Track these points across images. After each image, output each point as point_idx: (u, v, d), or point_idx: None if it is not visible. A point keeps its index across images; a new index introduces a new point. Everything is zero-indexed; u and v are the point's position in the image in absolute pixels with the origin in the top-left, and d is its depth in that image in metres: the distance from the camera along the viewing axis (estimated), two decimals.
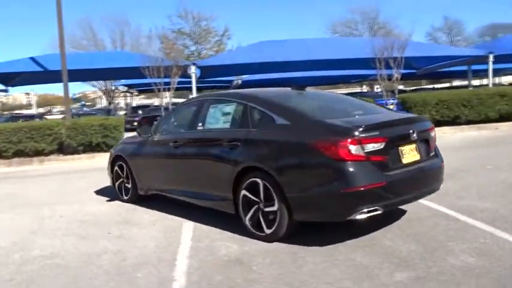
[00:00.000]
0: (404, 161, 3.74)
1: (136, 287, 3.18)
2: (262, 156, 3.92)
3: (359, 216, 3.49)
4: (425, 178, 3.93)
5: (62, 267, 3.67)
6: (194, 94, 16.87)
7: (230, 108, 4.52)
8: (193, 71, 16.73)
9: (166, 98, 14.75)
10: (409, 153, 3.81)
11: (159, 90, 14.41)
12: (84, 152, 11.73)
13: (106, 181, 6.65)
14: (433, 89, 32.59)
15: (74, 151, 11.57)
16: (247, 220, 4.10)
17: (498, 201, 4.75)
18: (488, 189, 5.29)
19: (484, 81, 29.86)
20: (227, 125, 4.48)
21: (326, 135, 3.56)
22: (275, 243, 3.83)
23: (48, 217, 5.49)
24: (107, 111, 25.78)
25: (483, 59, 19.47)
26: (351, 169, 3.42)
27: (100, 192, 6.87)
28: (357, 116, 4.02)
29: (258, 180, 3.93)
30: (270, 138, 3.94)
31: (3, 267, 3.75)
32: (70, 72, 12.98)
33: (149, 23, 73.69)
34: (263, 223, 3.93)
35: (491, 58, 19.14)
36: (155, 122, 5.74)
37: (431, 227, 4.05)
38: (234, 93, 4.82)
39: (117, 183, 6.21)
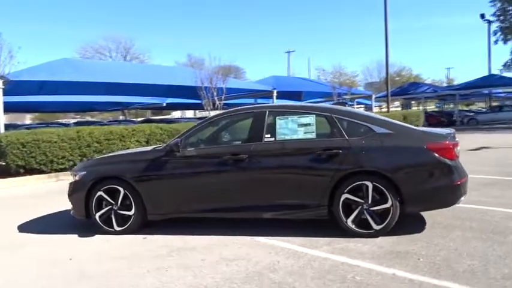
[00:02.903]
0: None
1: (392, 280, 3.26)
2: (373, 160, 4.46)
3: (461, 203, 4.55)
4: None
5: None
6: (1, 114, 13.85)
7: (308, 119, 4.75)
8: (1, 85, 13.67)
9: None
10: None
11: None
12: None
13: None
14: None
15: None
16: (349, 222, 4.48)
17: None
18: None
19: None
20: (311, 136, 4.69)
21: (438, 140, 4.51)
22: (385, 238, 4.37)
23: (61, 261, 4.15)
24: None
25: (269, 94, 23.60)
26: (458, 165, 4.49)
27: (36, 230, 5.51)
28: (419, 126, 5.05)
29: (367, 182, 4.42)
30: (376, 145, 4.51)
31: None
32: None
33: None
34: (371, 221, 4.43)
35: (275, 93, 23.50)
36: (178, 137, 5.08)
37: (458, 211, 5.25)
38: (309, 106, 5.07)
39: (98, 214, 5.17)
